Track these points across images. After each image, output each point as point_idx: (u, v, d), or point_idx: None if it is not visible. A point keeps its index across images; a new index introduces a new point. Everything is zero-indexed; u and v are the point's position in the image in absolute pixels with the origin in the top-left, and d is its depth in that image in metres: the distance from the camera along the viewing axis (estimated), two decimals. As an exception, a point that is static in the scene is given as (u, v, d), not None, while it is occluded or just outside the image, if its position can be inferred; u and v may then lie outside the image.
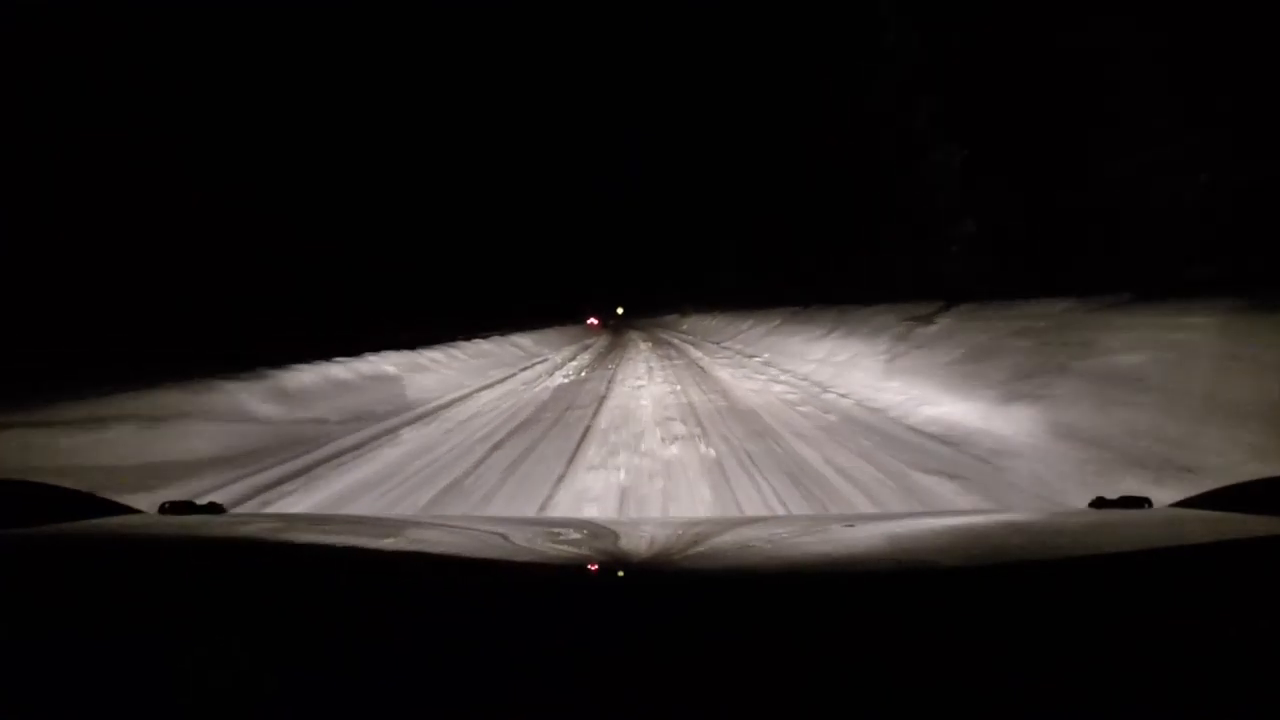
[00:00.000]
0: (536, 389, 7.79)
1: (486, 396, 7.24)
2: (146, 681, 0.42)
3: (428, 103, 23.42)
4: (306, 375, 6.40)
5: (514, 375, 9.51)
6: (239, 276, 12.36)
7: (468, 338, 12.03)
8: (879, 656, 0.45)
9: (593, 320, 43.70)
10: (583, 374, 9.46)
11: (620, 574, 0.69)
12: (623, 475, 3.56)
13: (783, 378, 7.56)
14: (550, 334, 19.50)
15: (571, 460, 3.95)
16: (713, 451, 4.02)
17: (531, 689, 0.41)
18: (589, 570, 0.73)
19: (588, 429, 4.95)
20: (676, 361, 10.54)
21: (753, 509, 2.88)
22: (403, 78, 21.32)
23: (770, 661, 0.44)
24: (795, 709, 0.39)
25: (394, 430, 5.25)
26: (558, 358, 12.75)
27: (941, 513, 2.23)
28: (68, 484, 0.96)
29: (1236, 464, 2.69)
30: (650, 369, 9.52)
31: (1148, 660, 0.43)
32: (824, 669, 0.43)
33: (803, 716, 0.39)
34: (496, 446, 4.46)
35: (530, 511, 3.00)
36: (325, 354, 7.19)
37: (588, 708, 0.39)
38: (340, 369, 7.01)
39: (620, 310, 54.81)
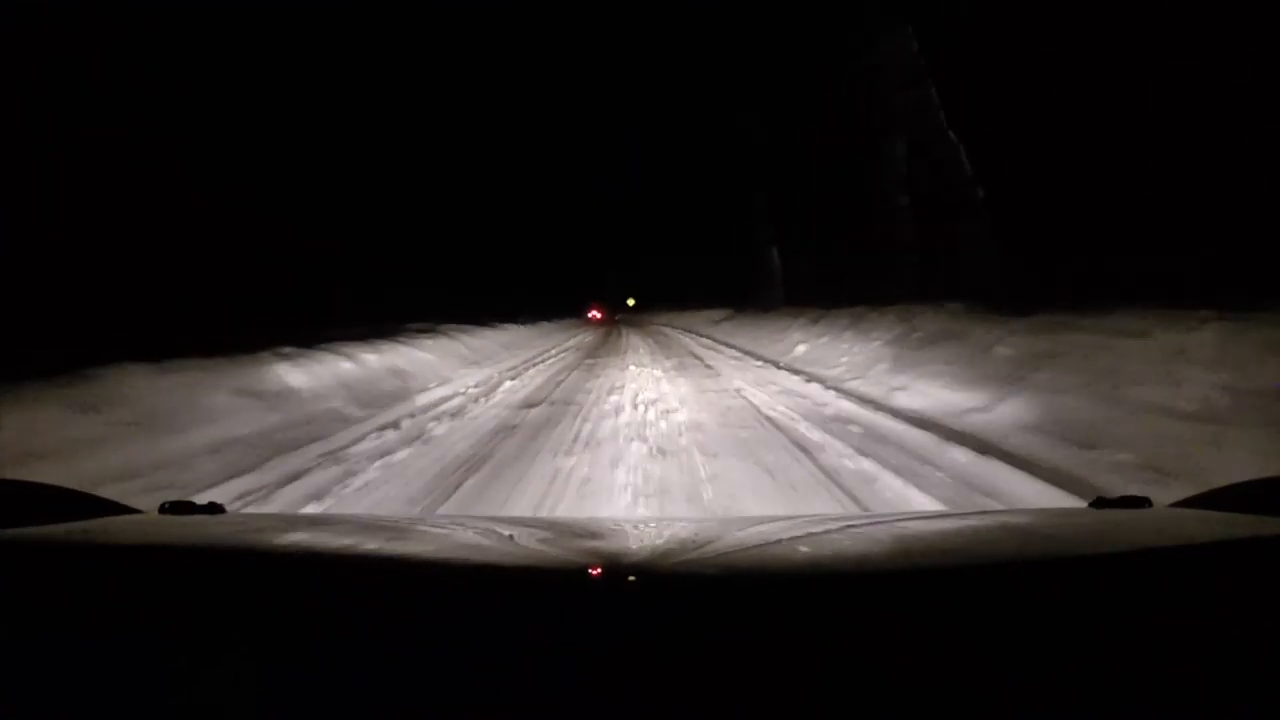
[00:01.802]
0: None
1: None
2: (146, 681, 0.42)
3: (428, 103, 23.41)
4: None
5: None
6: (238, 275, 12.36)
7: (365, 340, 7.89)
8: (880, 656, 0.45)
9: (595, 314, 38.42)
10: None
11: (622, 575, 0.69)
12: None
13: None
14: (505, 336, 13.15)
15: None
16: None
17: (533, 690, 0.41)
18: (591, 571, 0.73)
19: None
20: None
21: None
22: (403, 78, 21.31)
23: (772, 661, 0.44)
24: (798, 709, 0.39)
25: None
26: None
27: (942, 513, 2.23)
28: None
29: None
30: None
31: (1148, 660, 0.43)
32: (826, 669, 0.43)
33: (805, 716, 0.39)
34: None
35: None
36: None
37: (591, 708, 0.39)
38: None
39: (631, 302, 48.62)
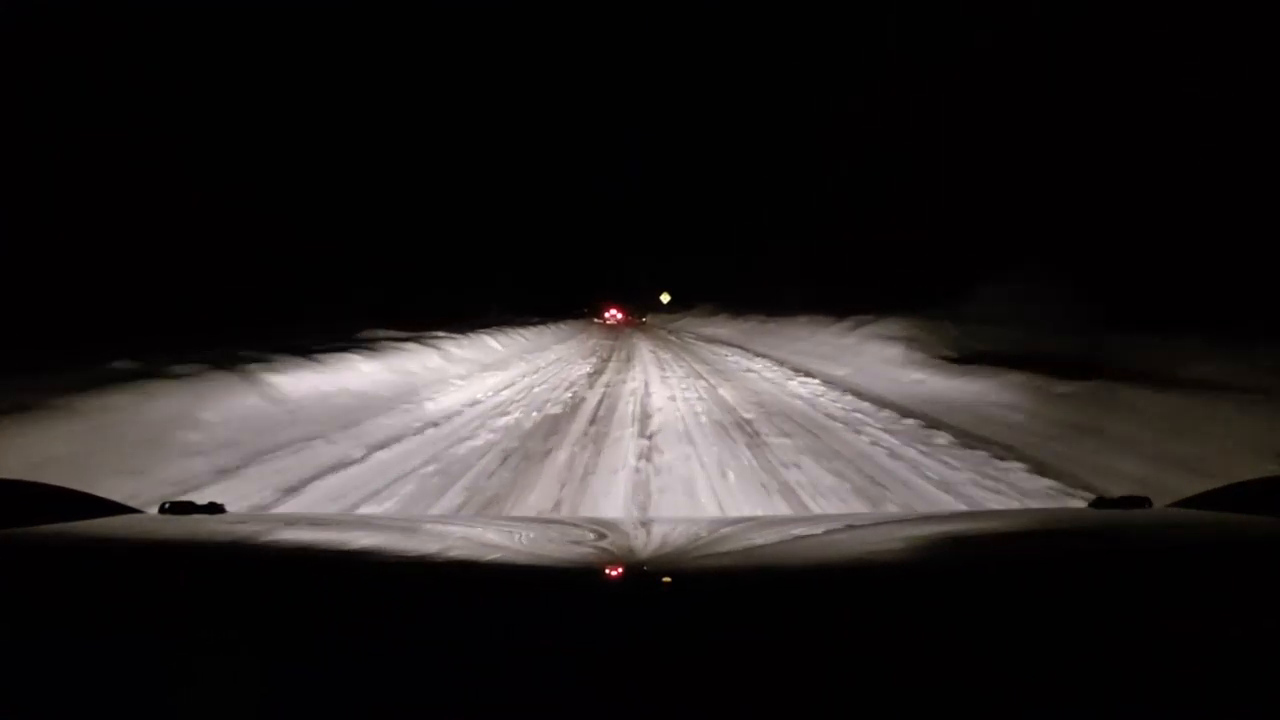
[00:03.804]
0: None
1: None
2: (146, 681, 0.42)
3: (428, 103, 23.37)
4: None
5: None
6: (238, 275, 12.36)
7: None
8: (881, 656, 0.45)
9: (614, 312, 29.53)
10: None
11: (624, 574, 0.69)
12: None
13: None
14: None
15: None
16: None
17: (534, 689, 0.41)
18: (592, 570, 0.73)
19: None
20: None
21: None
22: (403, 78, 21.30)
23: (776, 661, 0.44)
24: (799, 709, 0.39)
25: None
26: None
27: (942, 513, 2.23)
28: None
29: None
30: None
31: (1148, 660, 0.43)
32: (826, 669, 0.43)
33: (806, 716, 0.39)
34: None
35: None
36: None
37: (592, 708, 0.39)
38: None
39: (666, 298, 35.34)
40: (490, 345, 11.24)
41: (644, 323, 26.85)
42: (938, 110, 11.73)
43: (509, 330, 13.57)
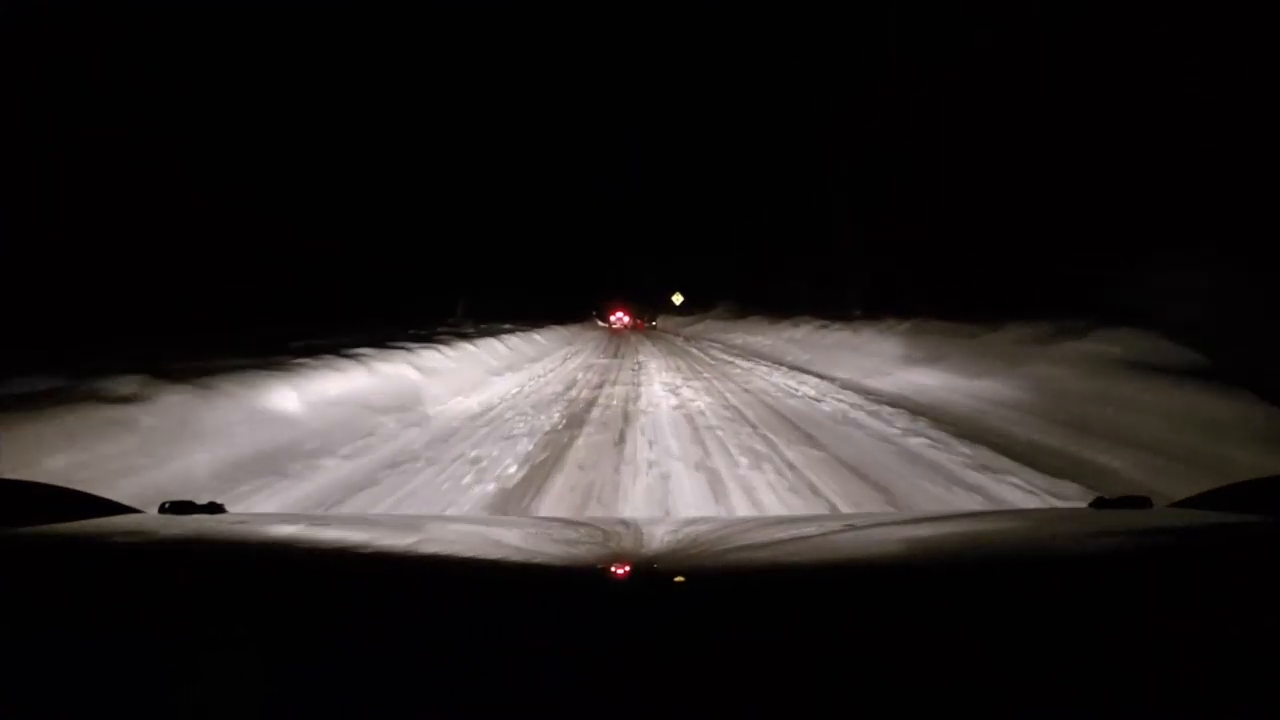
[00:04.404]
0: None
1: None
2: (146, 681, 0.42)
3: (428, 103, 23.35)
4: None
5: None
6: (238, 275, 12.36)
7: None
8: (881, 656, 0.45)
9: (620, 315, 26.65)
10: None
11: (628, 573, 0.69)
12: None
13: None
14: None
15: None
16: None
17: (533, 690, 0.41)
18: (592, 570, 0.73)
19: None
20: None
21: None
22: (402, 78, 21.28)
23: (774, 661, 0.44)
24: (799, 709, 0.39)
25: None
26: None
27: (943, 514, 2.22)
28: None
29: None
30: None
31: (1148, 660, 0.43)
32: (827, 669, 0.43)
33: (806, 716, 0.39)
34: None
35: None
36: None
37: (595, 709, 0.39)
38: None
39: (679, 299, 31.58)
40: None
41: (654, 327, 23.33)
42: (988, 92, 10.10)
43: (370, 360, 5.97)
